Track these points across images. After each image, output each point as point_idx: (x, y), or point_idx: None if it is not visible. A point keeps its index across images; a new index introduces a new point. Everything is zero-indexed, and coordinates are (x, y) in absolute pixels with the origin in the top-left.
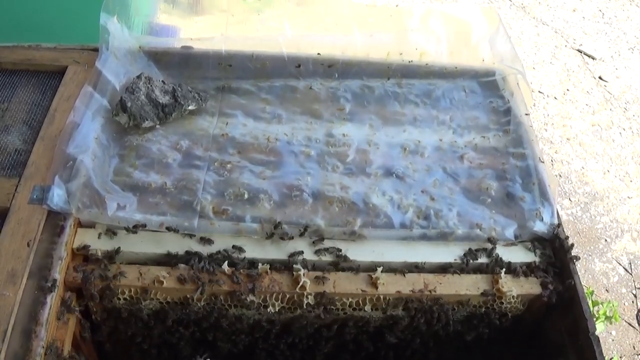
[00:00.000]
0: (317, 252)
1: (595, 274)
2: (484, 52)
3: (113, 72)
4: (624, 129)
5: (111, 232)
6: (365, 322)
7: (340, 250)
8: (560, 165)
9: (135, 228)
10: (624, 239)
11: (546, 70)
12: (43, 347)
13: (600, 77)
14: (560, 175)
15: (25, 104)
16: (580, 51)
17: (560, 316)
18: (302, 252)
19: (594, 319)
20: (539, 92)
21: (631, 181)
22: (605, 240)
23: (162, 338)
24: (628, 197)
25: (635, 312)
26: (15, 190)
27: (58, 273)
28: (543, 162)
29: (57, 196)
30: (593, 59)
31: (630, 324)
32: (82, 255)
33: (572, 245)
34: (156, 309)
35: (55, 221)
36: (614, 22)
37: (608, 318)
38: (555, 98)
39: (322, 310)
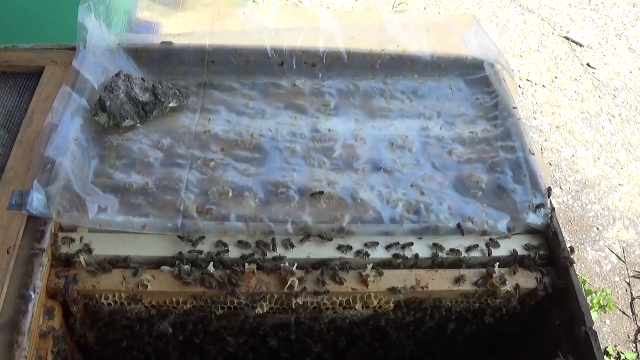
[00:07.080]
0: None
1: (588, 262)
2: (467, 51)
3: (91, 71)
4: (613, 116)
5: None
6: (357, 321)
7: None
8: (551, 153)
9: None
10: (616, 227)
11: (534, 59)
12: (26, 357)
13: (588, 64)
14: (550, 164)
15: (3, 107)
16: (567, 38)
17: (556, 310)
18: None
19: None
20: (527, 80)
21: (622, 168)
22: (598, 228)
23: (149, 343)
24: (619, 185)
25: (630, 301)
26: None
27: (40, 280)
28: (534, 154)
29: (37, 201)
30: (581, 46)
31: (624, 313)
32: (64, 260)
33: (572, 249)
34: (141, 314)
35: (36, 227)
36: (601, 9)
37: (602, 307)
38: (544, 86)
39: (311, 311)
